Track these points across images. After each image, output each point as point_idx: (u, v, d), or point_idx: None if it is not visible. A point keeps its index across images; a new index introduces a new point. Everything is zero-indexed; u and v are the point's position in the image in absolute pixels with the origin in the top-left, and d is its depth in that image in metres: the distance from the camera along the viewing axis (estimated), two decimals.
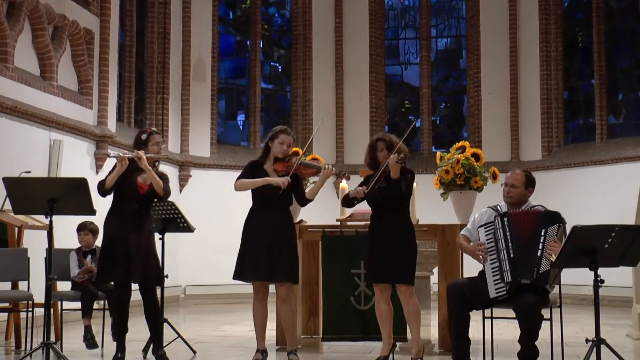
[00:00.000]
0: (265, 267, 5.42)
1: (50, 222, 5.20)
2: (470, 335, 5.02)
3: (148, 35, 11.74)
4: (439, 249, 6.23)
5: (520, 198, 5.21)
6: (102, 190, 5.48)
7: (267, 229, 5.48)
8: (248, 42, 13.51)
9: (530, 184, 5.23)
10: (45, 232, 6.09)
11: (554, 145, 12.73)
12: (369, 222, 5.62)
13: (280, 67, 13.93)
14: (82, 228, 6.60)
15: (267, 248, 5.43)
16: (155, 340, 5.65)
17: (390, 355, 5.59)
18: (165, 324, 6.01)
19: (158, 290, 5.75)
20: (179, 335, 6.30)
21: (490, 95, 13.14)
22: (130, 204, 5.50)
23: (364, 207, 5.73)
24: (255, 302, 5.61)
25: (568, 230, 4.45)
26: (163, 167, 5.97)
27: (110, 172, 5.49)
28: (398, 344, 5.95)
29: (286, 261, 5.46)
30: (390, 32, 14.18)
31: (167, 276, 5.87)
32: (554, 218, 4.98)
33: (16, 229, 6.76)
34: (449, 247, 6.15)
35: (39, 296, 5.86)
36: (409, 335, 5.68)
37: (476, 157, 6.44)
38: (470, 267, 5.80)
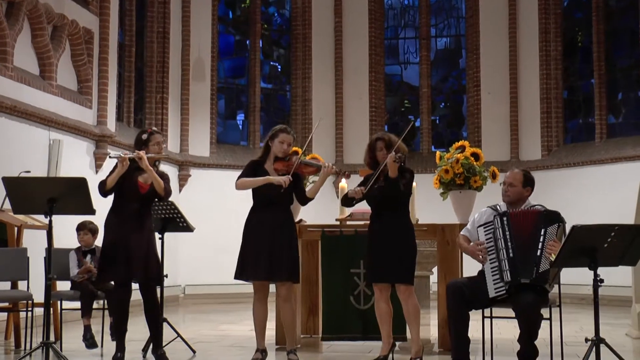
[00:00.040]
0: (266, 267, 5.42)
1: (50, 221, 5.20)
2: (469, 335, 5.02)
3: (147, 34, 11.74)
4: (439, 249, 6.23)
5: (517, 197, 5.21)
6: (103, 190, 5.47)
7: (267, 229, 5.48)
8: (247, 42, 13.51)
9: (528, 182, 5.23)
10: (44, 232, 6.10)
11: (554, 145, 12.74)
12: (368, 222, 5.62)
13: (279, 66, 13.93)
14: (81, 228, 6.60)
15: (268, 247, 5.43)
16: (155, 339, 5.64)
17: (390, 355, 5.59)
18: (164, 324, 6.01)
19: (158, 290, 5.75)
20: (179, 335, 6.30)
21: (489, 95, 13.14)
22: (131, 203, 5.50)
23: (363, 206, 5.73)
24: (256, 301, 5.60)
25: (568, 230, 4.45)
26: (163, 167, 5.97)
27: (111, 173, 5.49)
28: (397, 343, 5.95)
29: (287, 260, 5.46)
30: (390, 32, 14.18)
31: (166, 276, 5.88)
32: (554, 217, 4.98)
33: (16, 228, 6.76)
34: (449, 246, 6.15)
35: (39, 296, 5.86)
36: (408, 335, 5.67)
37: (476, 156, 6.44)
38: (470, 267, 5.80)
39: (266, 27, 13.77)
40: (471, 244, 5.22)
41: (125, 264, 5.41)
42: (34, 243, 6.77)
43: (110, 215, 5.57)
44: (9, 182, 5.23)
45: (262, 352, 5.56)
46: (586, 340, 4.56)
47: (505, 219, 5.02)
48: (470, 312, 5.02)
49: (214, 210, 11.65)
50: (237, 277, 5.56)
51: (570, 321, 7.83)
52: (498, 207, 5.24)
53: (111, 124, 10.09)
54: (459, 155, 6.38)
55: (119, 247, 5.42)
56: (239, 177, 5.61)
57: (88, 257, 6.49)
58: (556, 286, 5.17)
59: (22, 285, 6.57)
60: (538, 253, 4.87)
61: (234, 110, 13.51)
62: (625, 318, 8.10)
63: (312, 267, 6.64)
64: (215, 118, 12.78)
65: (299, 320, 6.53)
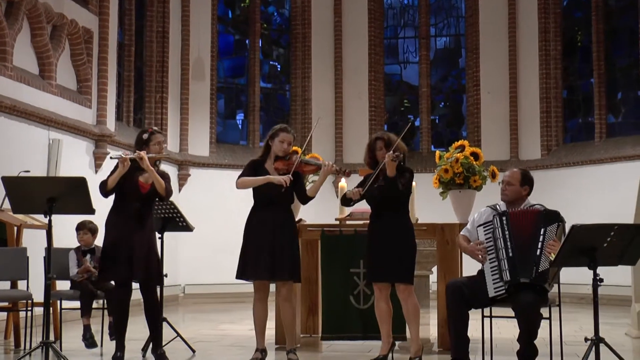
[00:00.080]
0: (267, 266, 5.42)
1: (50, 221, 5.19)
2: (469, 334, 5.02)
3: (147, 34, 11.74)
4: (438, 248, 6.23)
5: (515, 196, 5.20)
6: (104, 190, 5.47)
7: (268, 228, 5.48)
8: (247, 41, 13.50)
9: (525, 181, 5.22)
10: (44, 232, 6.10)
11: (553, 144, 12.74)
12: (368, 221, 5.62)
13: (279, 66, 13.93)
14: (81, 227, 6.59)
15: (268, 247, 5.43)
16: (155, 339, 5.64)
17: (390, 354, 5.59)
18: (164, 323, 6.01)
19: (158, 290, 5.74)
20: (178, 335, 6.30)
21: (489, 94, 13.14)
22: (132, 203, 5.50)
23: (363, 206, 5.73)
24: (256, 301, 5.60)
25: (567, 229, 4.45)
26: (162, 166, 5.96)
27: (111, 173, 5.49)
28: (397, 343, 5.95)
29: (288, 260, 5.46)
30: (390, 31, 14.18)
31: (166, 275, 5.88)
32: (553, 217, 4.98)
33: (15, 228, 6.76)
34: (448, 246, 6.16)
35: (38, 295, 5.86)
36: (408, 334, 5.67)
37: (475, 156, 6.44)
38: (470, 266, 5.80)
39: (266, 27, 13.77)
40: (471, 243, 5.21)
41: (126, 263, 5.41)
42: (33, 243, 6.77)
43: (111, 215, 5.57)
44: (8, 181, 5.23)
45: (261, 351, 5.56)
46: (586, 339, 4.56)
47: (504, 218, 5.02)
48: (469, 312, 5.02)
49: (213, 209, 11.65)
50: (238, 276, 5.56)
51: (569, 320, 7.83)
52: (497, 206, 5.24)
53: (111, 124, 10.09)
54: (458, 154, 6.38)
55: (120, 247, 5.42)
56: (240, 176, 5.61)
57: (88, 257, 6.48)
58: (556, 285, 5.17)
59: (21, 284, 6.57)
60: (538, 252, 4.87)
61: (234, 110, 13.51)
62: (625, 317, 8.10)
63: (311, 267, 6.64)
64: (215, 117, 12.77)
65: (299, 320, 6.53)
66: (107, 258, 5.50)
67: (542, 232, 4.90)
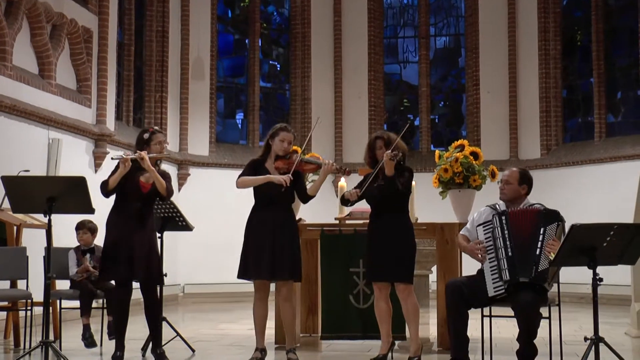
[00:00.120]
0: (268, 266, 5.41)
1: (49, 220, 5.19)
2: (468, 334, 5.02)
3: (147, 33, 11.74)
4: (438, 248, 6.23)
5: (514, 195, 5.20)
6: (105, 190, 5.48)
7: (269, 228, 5.47)
8: (247, 41, 13.50)
9: (524, 180, 5.22)
10: (44, 231, 6.10)
11: (553, 144, 12.74)
12: (367, 221, 5.62)
13: (279, 65, 13.92)
14: (80, 227, 6.59)
15: (269, 246, 5.43)
16: (154, 338, 5.64)
17: (389, 354, 5.60)
18: (164, 323, 6.01)
19: (158, 289, 5.75)
20: (178, 334, 6.30)
21: (489, 94, 13.14)
22: (133, 203, 5.50)
23: (362, 205, 5.73)
24: (256, 300, 5.60)
25: (567, 229, 4.45)
26: (162, 166, 5.96)
27: (112, 173, 5.49)
28: (397, 342, 5.95)
29: (288, 259, 5.45)
30: (389, 31, 14.18)
31: (165, 275, 5.87)
32: (553, 216, 4.98)
33: (15, 227, 6.76)
34: (448, 245, 6.16)
35: (38, 295, 5.86)
36: (407, 334, 5.67)
37: (475, 155, 6.44)
38: (469, 266, 5.80)
39: (265, 26, 13.76)
40: (470, 243, 5.21)
41: (127, 263, 5.41)
42: (33, 242, 6.77)
43: (112, 215, 5.57)
44: (8, 181, 5.22)
45: (261, 351, 5.56)
46: (585, 339, 4.56)
47: (504, 218, 5.02)
48: (469, 311, 5.02)
49: (213, 209, 11.65)
50: (240, 276, 5.56)
51: (569, 320, 7.84)
52: (497, 206, 5.24)
53: (110, 123, 10.09)
54: (458, 154, 6.38)
55: (120, 247, 5.42)
56: (240, 175, 5.61)
57: (87, 256, 6.48)
58: (555, 285, 5.17)
59: (21, 284, 6.57)
60: (537, 252, 4.87)
61: (233, 109, 13.51)
62: (625, 317, 8.11)
63: (311, 266, 6.64)
64: (215, 117, 12.77)
65: (299, 319, 6.53)
66: (108, 258, 5.50)
67: (541, 232, 4.90)
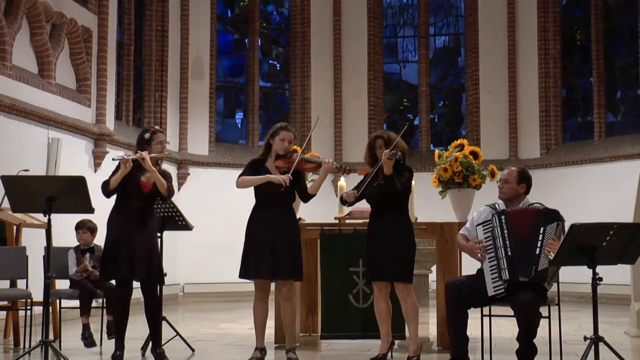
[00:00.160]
0: (269, 265, 5.41)
1: (49, 220, 5.19)
2: (468, 333, 5.02)
3: (146, 33, 11.74)
4: (438, 247, 6.23)
5: (512, 194, 5.20)
6: (107, 190, 5.48)
7: (269, 227, 5.47)
8: (246, 40, 13.50)
9: (522, 179, 5.22)
10: (43, 231, 6.08)
11: (553, 143, 12.74)
12: (367, 220, 5.62)
13: (278, 65, 13.93)
14: (80, 226, 6.59)
15: (270, 246, 5.42)
16: (154, 338, 5.64)
17: (389, 353, 5.60)
18: (163, 322, 6.00)
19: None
20: (178, 334, 6.30)
21: (488, 93, 13.14)
22: (134, 202, 5.50)
23: (362, 205, 5.73)
24: (257, 300, 5.59)
25: (567, 228, 4.45)
26: (163, 166, 5.96)
27: (113, 173, 5.49)
28: (396, 341, 5.95)
29: (288, 259, 5.45)
30: (389, 30, 14.18)
31: (165, 274, 5.87)
32: (553, 216, 4.98)
33: (15, 227, 6.76)
34: (448, 245, 6.15)
35: (38, 294, 5.86)
36: (407, 333, 5.67)
37: (474, 155, 6.43)
38: (469, 265, 5.80)
39: (265, 26, 13.76)
40: (469, 242, 5.21)
41: (128, 263, 5.41)
42: (33, 242, 6.77)
43: (113, 214, 5.57)
44: (7, 180, 5.22)
45: (261, 350, 5.56)
46: (585, 338, 4.55)
47: (503, 217, 5.02)
48: (469, 311, 5.02)
49: (212, 208, 11.65)
50: (241, 276, 5.56)
51: (569, 319, 7.84)
52: (497, 205, 5.24)
53: (110, 123, 10.09)
54: (457, 153, 6.38)
55: (121, 246, 5.42)
56: (240, 175, 5.61)
57: (87, 256, 6.48)
58: (555, 284, 5.17)
59: (21, 283, 6.57)
60: (537, 251, 4.87)
61: (233, 109, 13.51)
62: (624, 316, 8.11)
63: (311, 266, 6.64)
64: (214, 116, 12.77)
65: (298, 319, 6.53)
66: (109, 257, 5.50)
67: (541, 231, 4.90)
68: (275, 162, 5.59)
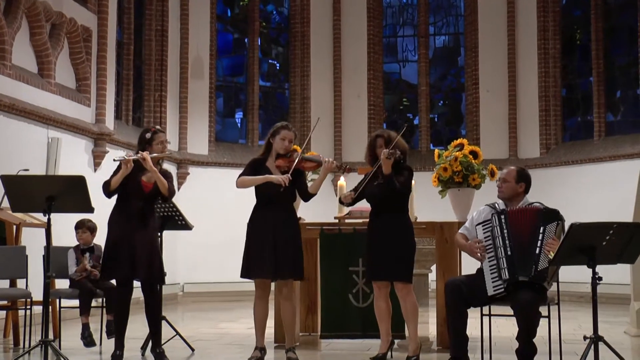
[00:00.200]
0: (271, 265, 5.41)
1: (49, 219, 5.19)
2: (468, 333, 5.02)
3: (146, 32, 11.73)
4: (437, 247, 6.23)
5: (511, 193, 5.20)
6: (108, 191, 5.48)
7: (269, 227, 5.47)
8: (246, 40, 13.50)
9: (521, 178, 5.22)
10: (43, 230, 6.07)
11: (552, 143, 12.74)
12: (367, 220, 5.62)
13: (278, 64, 13.92)
14: (80, 226, 6.59)
15: (271, 246, 5.42)
16: (154, 338, 5.64)
17: (389, 353, 5.60)
18: (163, 322, 6.00)
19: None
20: (177, 333, 6.30)
21: (488, 93, 13.14)
22: (135, 202, 5.50)
23: (362, 204, 5.74)
24: (257, 299, 5.59)
25: (566, 228, 4.45)
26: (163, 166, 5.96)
27: (114, 173, 5.49)
28: (396, 341, 5.95)
29: (289, 259, 5.45)
30: (389, 30, 14.18)
31: (165, 274, 5.87)
32: (553, 216, 4.98)
33: (14, 226, 6.76)
34: (447, 244, 6.15)
35: (37, 294, 5.86)
36: (407, 333, 5.67)
37: (474, 154, 6.43)
38: (469, 265, 5.80)
39: (265, 25, 13.76)
40: (469, 241, 5.21)
41: (128, 262, 5.41)
42: (32, 241, 6.77)
43: (114, 214, 5.57)
44: (7, 180, 5.22)
45: (261, 350, 5.56)
46: (585, 338, 4.55)
47: (503, 217, 5.02)
48: (468, 310, 5.02)
49: (212, 208, 11.65)
50: (243, 275, 5.56)
51: (568, 319, 7.84)
52: (496, 205, 5.24)
53: (109, 122, 10.09)
54: (457, 153, 6.38)
55: (122, 246, 5.42)
56: (240, 175, 5.61)
57: (87, 255, 6.48)
58: (555, 284, 5.17)
59: (20, 283, 6.57)
60: (537, 251, 4.87)
61: (233, 109, 13.51)
62: (624, 316, 8.11)
63: (310, 265, 6.63)
64: (214, 116, 12.77)
65: (298, 318, 6.53)
66: (110, 257, 5.50)
67: (541, 231, 4.90)
68: (276, 162, 5.59)
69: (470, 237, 5.24)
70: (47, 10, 8.92)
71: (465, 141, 6.53)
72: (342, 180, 6.40)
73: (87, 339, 6.18)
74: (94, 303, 6.45)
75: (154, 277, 5.56)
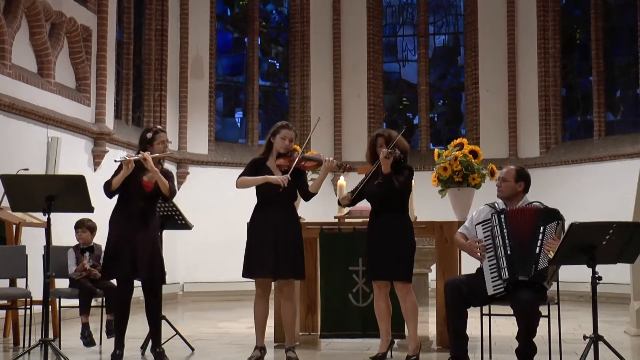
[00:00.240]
0: (271, 265, 5.41)
1: (48, 219, 5.18)
2: (468, 332, 5.02)
3: (146, 32, 11.73)
4: (437, 246, 6.23)
5: (511, 192, 5.20)
6: (109, 191, 5.48)
7: (270, 227, 5.47)
8: (246, 39, 13.50)
9: (521, 177, 5.22)
10: (43, 230, 6.07)
11: (552, 143, 12.74)
12: (366, 219, 5.62)
13: (278, 64, 13.92)
14: (79, 225, 6.59)
15: (271, 246, 5.42)
16: (154, 337, 5.64)
17: (388, 352, 5.60)
18: (163, 321, 6.00)
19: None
20: (177, 333, 6.30)
21: (488, 93, 13.14)
22: (136, 202, 5.50)
23: (362, 204, 5.74)
24: (257, 298, 5.58)
25: (566, 227, 4.45)
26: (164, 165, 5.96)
27: (115, 174, 5.49)
28: (396, 341, 5.95)
29: (290, 258, 5.45)
30: (388, 29, 14.18)
31: (165, 273, 5.86)
32: (553, 215, 4.98)
33: (14, 226, 6.76)
34: (447, 244, 6.15)
35: (37, 293, 5.86)
36: (407, 332, 5.67)
37: (474, 154, 6.44)
38: (468, 264, 5.80)
39: (264, 25, 13.76)
40: (469, 241, 5.21)
41: (130, 262, 5.41)
42: (32, 241, 6.77)
43: (114, 214, 5.57)
44: (7, 179, 5.22)
45: (261, 349, 5.56)
46: (584, 337, 4.55)
47: (503, 216, 5.02)
48: (468, 310, 5.02)
49: (212, 207, 11.65)
50: (244, 275, 5.55)
51: (568, 319, 7.84)
52: (496, 204, 5.24)
53: (109, 122, 10.08)
54: (457, 152, 6.38)
55: (123, 246, 5.42)
56: (240, 175, 5.61)
57: (86, 255, 6.48)
58: (555, 283, 5.17)
59: (20, 282, 6.57)
60: (537, 251, 4.87)
61: (233, 108, 13.51)
62: (624, 315, 8.11)
63: (310, 265, 6.62)
64: (214, 116, 12.77)
65: (298, 318, 6.53)
66: (111, 257, 5.50)
67: (541, 230, 4.90)
68: (277, 161, 5.59)
69: (470, 236, 5.24)
70: (47, 9, 8.92)
71: (465, 141, 6.53)
72: (342, 180, 6.40)
73: (87, 339, 6.18)
74: (93, 302, 6.45)
75: (156, 276, 5.56)
